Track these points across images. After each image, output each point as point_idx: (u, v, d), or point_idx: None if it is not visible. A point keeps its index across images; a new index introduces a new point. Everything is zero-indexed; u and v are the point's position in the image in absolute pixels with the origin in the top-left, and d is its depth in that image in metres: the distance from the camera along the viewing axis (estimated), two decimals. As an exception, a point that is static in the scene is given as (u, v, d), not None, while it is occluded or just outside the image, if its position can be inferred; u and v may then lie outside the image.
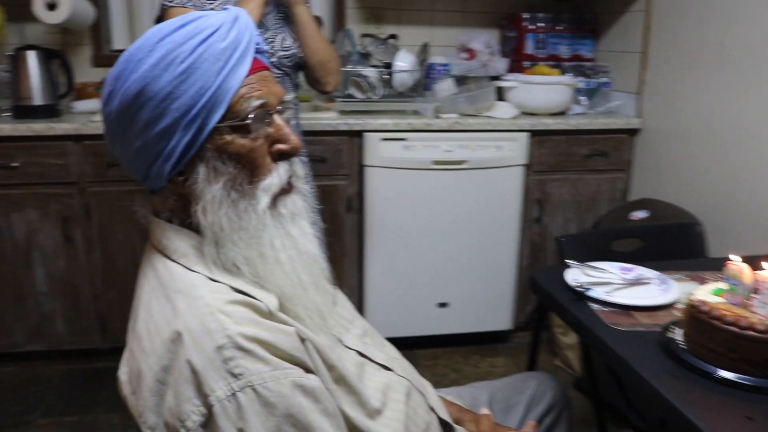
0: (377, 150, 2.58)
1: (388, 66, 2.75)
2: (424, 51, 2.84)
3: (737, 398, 1.04)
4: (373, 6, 3.16)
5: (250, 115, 0.86)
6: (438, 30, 3.24)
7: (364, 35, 2.94)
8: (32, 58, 2.56)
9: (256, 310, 0.84)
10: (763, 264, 1.12)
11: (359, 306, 2.76)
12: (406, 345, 2.79)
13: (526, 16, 3.09)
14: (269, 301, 0.87)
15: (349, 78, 2.71)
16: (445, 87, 2.87)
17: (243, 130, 0.86)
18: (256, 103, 0.87)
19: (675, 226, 1.89)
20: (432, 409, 1.11)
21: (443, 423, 1.13)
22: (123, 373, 0.92)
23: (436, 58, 3.01)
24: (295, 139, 0.91)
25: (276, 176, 0.89)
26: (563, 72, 2.98)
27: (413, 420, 1.03)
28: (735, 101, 2.26)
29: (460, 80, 2.95)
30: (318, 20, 2.03)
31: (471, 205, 2.70)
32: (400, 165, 2.60)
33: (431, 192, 2.65)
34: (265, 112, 0.88)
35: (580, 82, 2.97)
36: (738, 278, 1.13)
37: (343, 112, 2.69)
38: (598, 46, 3.16)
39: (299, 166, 0.96)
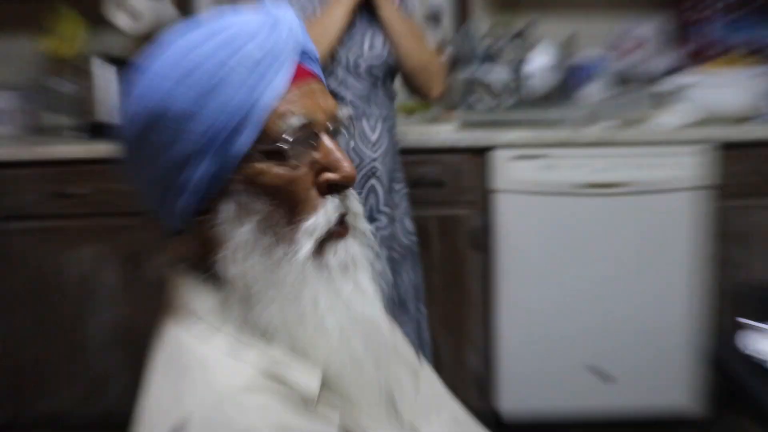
0: (508, 171, 2.21)
1: (521, 66, 2.37)
2: (568, 46, 2.45)
3: None
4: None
5: (288, 138, 0.75)
6: (588, 20, 2.75)
7: (492, 28, 2.55)
8: (111, 71, 2.44)
9: (290, 398, 0.73)
10: None
11: (487, 372, 2.32)
12: (555, 426, 2.33)
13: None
14: (309, 382, 0.74)
15: (472, 83, 2.36)
16: (596, 90, 2.48)
17: (280, 156, 0.76)
18: (297, 122, 0.76)
19: None
20: None
21: None
22: None
23: (584, 55, 2.58)
24: (349, 165, 0.79)
25: (323, 214, 0.78)
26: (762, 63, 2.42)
27: None
28: None
29: (617, 81, 2.55)
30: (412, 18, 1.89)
31: (635, 242, 2.21)
32: (538, 189, 2.21)
33: (580, 224, 2.22)
34: (310, 132, 0.77)
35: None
36: None
37: (464, 125, 2.34)
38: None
39: (355, 202, 0.83)
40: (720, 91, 2.29)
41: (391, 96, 1.88)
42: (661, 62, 2.55)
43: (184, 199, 0.77)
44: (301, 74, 0.78)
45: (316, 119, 0.77)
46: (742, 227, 2.21)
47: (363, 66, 1.77)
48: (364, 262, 0.82)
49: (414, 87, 1.90)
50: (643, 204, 2.19)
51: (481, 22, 2.63)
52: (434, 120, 2.50)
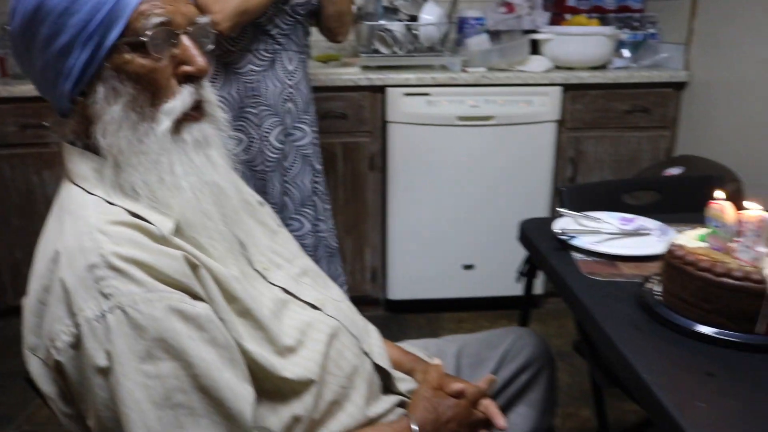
0: (400, 106, 2.50)
1: (415, 20, 2.64)
2: (453, 4, 2.72)
3: (703, 353, 0.92)
4: (408, -41, 3.04)
5: (148, 33, 0.82)
6: None
7: None
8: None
9: (145, 232, 0.81)
10: (746, 203, 0.98)
11: (382, 266, 2.71)
12: (430, 308, 2.79)
13: (567, -35, 2.89)
14: (164, 225, 0.83)
15: (374, 32, 2.63)
16: (477, 42, 2.74)
17: (143, 49, 0.83)
18: (157, 20, 0.83)
19: (694, 178, 1.73)
20: (366, 354, 1.04)
21: (383, 370, 1.06)
22: (25, 299, 0.90)
23: (470, 12, 2.90)
24: (202, 60, 0.87)
25: (179, 99, 0.86)
26: (604, 24, 2.79)
27: (336, 361, 0.97)
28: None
29: (495, 35, 2.82)
30: None
31: (499, 164, 2.59)
32: (424, 121, 2.52)
33: (457, 149, 2.56)
34: (169, 31, 0.85)
35: (624, 34, 2.78)
36: (720, 219, 1.00)
37: (366, 68, 2.61)
38: (648, -5, 2.94)
39: (209, 91, 0.92)
40: (571, 44, 2.62)
41: (307, 33, 2.00)
42: (530, 20, 2.85)
43: (68, 83, 0.84)
44: None
45: (175, 20, 0.85)
46: (577, 153, 2.63)
47: (289, 6, 1.86)
48: (216, 141, 0.92)
49: (329, 29, 2.01)
50: (507, 134, 2.54)
51: None
52: (342, 65, 2.76)
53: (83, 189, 0.86)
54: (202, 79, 0.89)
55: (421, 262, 2.66)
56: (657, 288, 1.07)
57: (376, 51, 2.64)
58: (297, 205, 2.01)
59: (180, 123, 0.87)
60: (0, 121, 2.48)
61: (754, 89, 2.21)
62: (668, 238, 1.30)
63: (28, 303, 0.83)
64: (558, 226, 1.36)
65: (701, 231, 1.07)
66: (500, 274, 2.66)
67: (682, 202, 1.65)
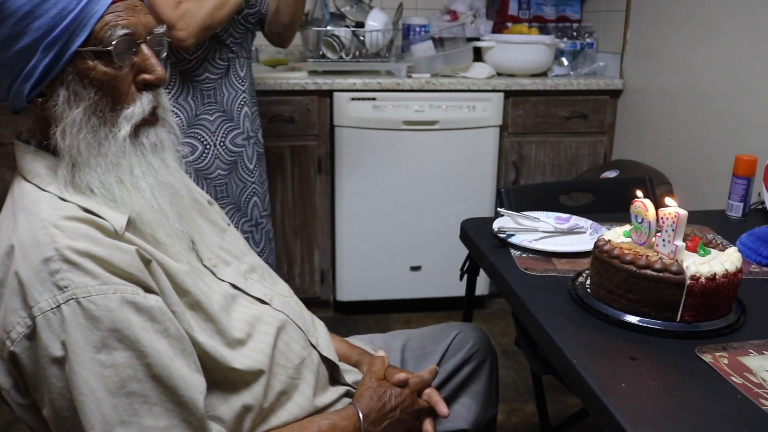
0: (347, 110, 2.55)
1: (361, 26, 2.69)
2: (399, 12, 2.78)
3: (628, 340, 0.99)
4: (355, -33, 3.10)
5: (113, 43, 0.85)
6: None
7: None
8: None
9: (98, 227, 0.84)
10: (666, 200, 1.06)
11: (331, 268, 2.75)
12: (379, 308, 2.84)
13: (509, -25, 2.99)
14: (117, 220, 0.86)
15: (322, 38, 2.66)
16: (422, 48, 2.81)
17: (106, 57, 0.86)
18: (121, 32, 0.86)
19: (626, 180, 1.82)
20: (313, 346, 1.08)
21: (330, 362, 1.10)
22: None
23: (415, 19, 2.96)
24: (160, 69, 0.91)
25: (139, 105, 0.90)
26: (544, 32, 2.91)
27: (284, 353, 1.01)
28: (717, 60, 2.17)
29: (439, 42, 2.88)
30: None
31: (444, 167, 2.65)
32: (370, 125, 2.56)
33: (403, 153, 2.62)
34: (131, 41, 0.88)
35: (563, 43, 2.89)
36: (642, 216, 1.07)
37: (314, 72, 2.65)
38: (586, 6, 3.07)
39: (165, 98, 0.96)
40: (512, 52, 2.70)
41: (253, 39, 2.04)
42: (474, 28, 2.95)
43: (27, 85, 0.85)
44: None
45: (137, 30, 0.88)
46: (519, 158, 2.72)
47: (241, 15, 1.88)
48: (170, 145, 0.96)
49: (278, 36, 2.04)
50: (451, 138, 2.61)
51: None
52: (290, 70, 2.78)
53: (36, 186, 0.87)
54: (160, 87, 0.93)
55: (369, 263, 2.71)
56: (587, 281, 1.15)
57: (324, 56, 2.68)
58: (265, 204, 2.07)
59: (138, 128, 0.90)
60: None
61: (682, 97, 2.33)
62: (599, 234, 1.38)
63: None
64: (497, 224, 1.43)
65: (627, 227, 1.14)
66: (447, 274, 2.72)
67: (615, 203, 1.75)
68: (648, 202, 1.06)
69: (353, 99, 2.54)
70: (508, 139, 2.70)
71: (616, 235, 1.15)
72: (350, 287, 2.74)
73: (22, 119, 0.93)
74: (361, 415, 1.03)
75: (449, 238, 2.63)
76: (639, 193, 1.10)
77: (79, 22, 0.83)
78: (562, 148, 2.75)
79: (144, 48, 0.90)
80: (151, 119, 0.92)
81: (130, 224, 0.88)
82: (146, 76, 0.90)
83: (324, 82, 2.52)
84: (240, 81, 1.95)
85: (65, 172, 0.87)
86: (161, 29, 0.94)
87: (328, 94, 2.55)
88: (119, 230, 0.85)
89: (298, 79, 2.53)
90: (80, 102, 0.86)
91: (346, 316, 2.82)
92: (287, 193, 2.60)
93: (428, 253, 2.74)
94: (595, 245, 1.10)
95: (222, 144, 1.93)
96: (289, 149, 2.57)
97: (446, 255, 2.70)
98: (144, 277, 0.84)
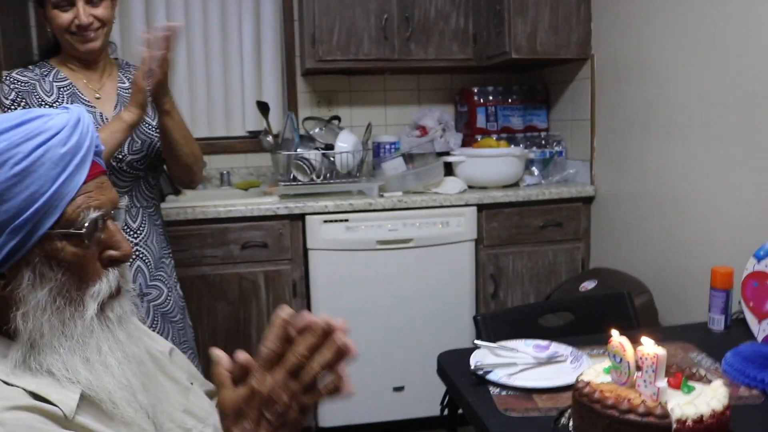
0: (320, 233, 2.53)
1: (331, 148, 2.71)
2: (368, 131, 2.82)
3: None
4: (325, 90, 3.18)
5: (86, 225, 0.83)
6: (391, 109, 3.26)
7: (307, 118, 2.93)
8: None
9: (46, 415, 0.77)
10: (642, 339, 1.02)
11: None
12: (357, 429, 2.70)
13: (475, 89, 3.07)
14: (67, 404, 0.79)
15: (292, 161, 2.68)
16: (394, 165, 2.83)
17: (76, 238, 0.83)
18: (94, 214, 0.84)
19: (605, 297, 1.79)
20: None
21: None
22: None
23: (385, 137, 3.01)
24: (126, 246, 0.89)
25: (105, 282, 0.87)
26: (513, 144, 2.95)
27: None
28: (679, 163, 2.19)
29: (410, 158, 2.91)
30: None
31: (421, 284, 2.62)
32: (343, 247, 2.54)
33: (378, 273, 2.58)
34: (100, 220, 0.86)
35: (533, 153, 2.92)
36: (621, 356, 1.03)
37: (285, 196, 2.65)
38: (552, 115, 3.14)
39: (127, 270, 0.94)
40: (483, 165, 2.72)
41: (151, 185, 1.91)
42: (444, 142, 3.00)
43: None
44: (94, 169, 0.87)
45: (106, 209, 0.87)
46: (497, 270, 2.69)
47: (125, 163, 1.78)
48: (132, 315, 0.94)
49: (181, 178, 1.92)
50: (426, 255, 2.59)
51: (303, 113, 3.05)
52: (261, 194, 2.78)
53: None
54: (125, 262, 0.91)
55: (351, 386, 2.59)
56: (570, 423, 1.08)
57: (295, 179, 2.69)
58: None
59: (103, 303, 0.87)
60: None
61: (653, 202, 2.34)
62: (580, 364, 1.33)
63: None
64: (474, 359, 1.37)
65: (606, 363, 1.09)
66: (430, 394, 2.56)
67: (595, 320, 1.70)
68: (625, 341, 1.02)
69: (326, 221, 2.52)
70: (484, 252, 2.67)
71: (596, 373, 1.09)
72: (333, 412, 2.63)
73: None
74: None
75: (431, 357, 2.52)
76: (614, 332, 1.06)
77: (50, 205, 0.80)
78: (539, 257, 2.73)
79: (110, 224, 0.88)
80: (114, 292, 0.89)
81: (83, 398, 0.82)
82: (113, 252, 0.88)
83: (296, 206, 2.51)
84: (132, 234, 1.82)
85: (17, 355, 0.81)
86: (124, 203, 0.93)
87: (300, 217, 2.54)
88: (69, 414, 0.79)
89: (270, 204, 2.52)
90: (45, 283, 0.82)
91: (330, 444, 2.69)
92: (263, 319, 2.53)
93: (411, 372, 2.65)
94: (575, 388, 1.04)
95: (175, 287, 1.92)
96: (263, 274, 2.54)
97: (429, 373, 2.50)
98: None
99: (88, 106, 1.78)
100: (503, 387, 1.27)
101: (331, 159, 2.72)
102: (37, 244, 0.81)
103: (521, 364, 1.35)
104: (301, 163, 2.67)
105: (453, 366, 1.40)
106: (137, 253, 1.83)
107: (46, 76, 1.78)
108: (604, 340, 1.31)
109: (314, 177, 2.68)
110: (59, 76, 1.79)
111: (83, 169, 0.84)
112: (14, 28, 2.76)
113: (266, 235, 2.53)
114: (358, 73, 3.14)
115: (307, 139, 2.79)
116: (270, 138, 2.78)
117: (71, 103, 1.67)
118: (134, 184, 1.85)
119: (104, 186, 0.88)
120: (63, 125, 0.83)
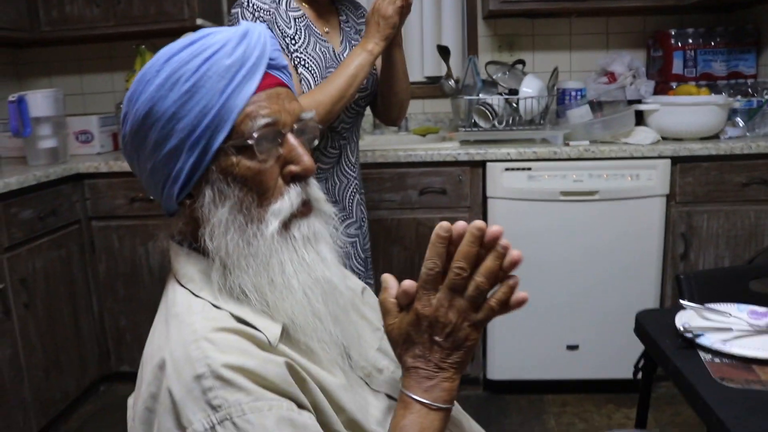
0: (500, 181, 2.46)
1: (515, 93, 2.61)
2: (553, 76, 2.68)
3: None
4: (506, 33, 3.08)
5: (254, 135, 0.81)
6: (577, 54, 3.09)
7: (490, 62, 2.83)
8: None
9: (251, 339, 0.79)
10: None
11: (482, 344, 2.63)
12: (532, 389, 2.68)
13: (672, 32, 2.82)
14: (270, 331, 0.81)
15: (473, 106, 2.61)
16: (579, 113, 2.67)
17: (248, 151, 0.82)
18: (262, 122, 0.81)
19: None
20: None
21: None
22: (131, 397, 0.89)
23: (571, 84, 2.86)
24: (308, 160, 0.85)
25: (287, 200, 0.84)
26: (714, 92, 2.67)
27: None
28: None
29: (597, 106, 2.74)
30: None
31: (605, 240, 2.48)
32: (525, 196, 2.46)
33: (560, 226, 2.48)
34: (275, 131, 0.83)
35: (737, 102, 2.64)
36: None
37: (465, 142, 2.60)
38: (762, 60, 2.82)
39: (316, 188, 0.89)
40: (679, 115, 2.51)
41: (362, 121, 1.93)
42: (634, 90, 2.80)
43: (176, 187, 0.84)
44: (269, 80, 0.84)
45: (280, 119, 0.83)
46: (689, 229, 2.49)
47: (354, 99, 1.74)
48: (325, 236, 0.88)
49: (390, 115, 1.92)
50: (613, 209, 2.44)
51: (484, 58, 2.96)
52: (440, 139, 2.76)
53: (190, 291, 0.85)
54: (308, 178, 0.87)
55: (522, 341, 2.56)
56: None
57: (476, 125, 2.63)
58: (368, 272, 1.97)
59: (288, 220, 0.84)
60: (111, 194, 2.64)
61: None
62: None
63: (137, 408, 0.81)
64: (681, 321, 1.26)
65: None
66: (607, 355, 2.53)
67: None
68: None
69: (507, 169, 2.45)
70: (675, 208, 2.48)
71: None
72: (502, 365, 2.61)
73: (175, 221, 0.90)
74: (413, 395, 0.83)
75: (610, 316, 2.51)
76: None
77: (221, 118, 0.80)
78: (739, 218, 2.49)
79: (289, 137, 0.84)
80: (304, 210, 0.86)
81: (284, 332, 0.82)
82: (292, 167, 0.84)
83: (477, 153, 2.46)
84: (351, 167, 1.85)
85: (218, 276, 0.83)
86: (309, 115, 0.88)
87: (481, 164, 2.49)
88: (273, 342, 0.80)
89: (450, 149, 2.49)
90: (225, 201, 0.82)
91: (497, 396, 2.67)
92: (438, 266, 2.52)
93: (587, 331, 2.55)
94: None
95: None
96: (441, 221, 2.50)
97: (607, 334, 2.51)
98: (296, 392, 0.78)
99: (321, 40, 1.72)
100: (717, 353, 1.16)
101: (514, 105, 2.62)
102: (213, 160, 0.82)
103: (736, 330, 1.23)
104: (484, 109, 2.59)
105: (655, 326, 1.30)
106: (355, 186, 1.86)
107: (279, 3, 1.68)
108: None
109: (496, 123, 2.60)
110: (291, 5, 1.70)
111: (252, 81, 0.81)
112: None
113: (445, 182, 2.50)
114: (543, 15, 3.00)
115: (490, 84, 2.70)
116: (452, 82, 2.70)
117: (309, 36, 1.68)
118: (356, 120, 1.85)
119: (280, 96, 0.85)
120: (228, 39, 0.81)
